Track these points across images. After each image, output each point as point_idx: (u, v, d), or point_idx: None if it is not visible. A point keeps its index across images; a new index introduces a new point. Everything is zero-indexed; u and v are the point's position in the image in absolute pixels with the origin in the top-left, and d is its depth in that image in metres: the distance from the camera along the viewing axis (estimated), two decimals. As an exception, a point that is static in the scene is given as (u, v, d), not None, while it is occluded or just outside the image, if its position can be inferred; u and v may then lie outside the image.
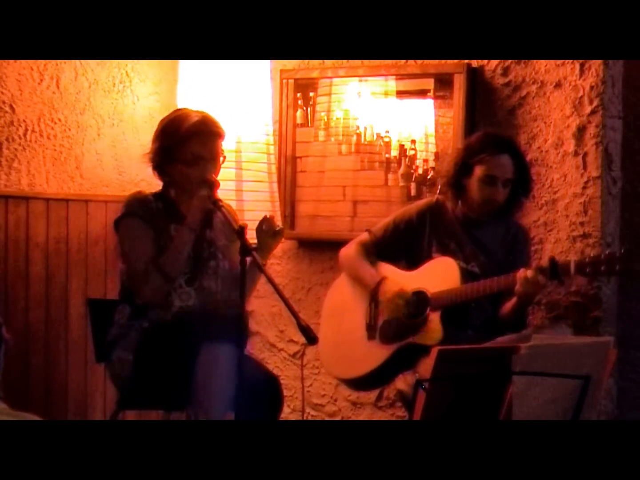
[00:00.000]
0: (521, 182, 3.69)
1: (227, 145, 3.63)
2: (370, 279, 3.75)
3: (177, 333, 3.30)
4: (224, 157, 3.52)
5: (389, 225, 3.82)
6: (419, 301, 3.63)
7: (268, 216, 3.55)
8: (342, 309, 3.86)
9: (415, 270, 3.72)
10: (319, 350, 3.93)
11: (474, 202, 3.68)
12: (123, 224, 3.46)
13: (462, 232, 3.71)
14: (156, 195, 3.52)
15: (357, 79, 4.42)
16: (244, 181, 4.11)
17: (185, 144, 3.42)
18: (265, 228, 3.49)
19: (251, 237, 3.39)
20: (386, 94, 4.39)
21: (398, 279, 3.71)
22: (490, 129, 3.85)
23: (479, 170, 3.63)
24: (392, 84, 4.38)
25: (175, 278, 3.40)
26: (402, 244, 3.79)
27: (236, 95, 4.18)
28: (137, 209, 3.44)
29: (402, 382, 3.66)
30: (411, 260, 3.77)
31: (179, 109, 3.66)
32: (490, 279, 3.52)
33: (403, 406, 3.86)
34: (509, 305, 3.58)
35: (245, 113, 4.18)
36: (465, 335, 3.60)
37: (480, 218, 3.71)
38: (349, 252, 3.86)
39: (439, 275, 3.63)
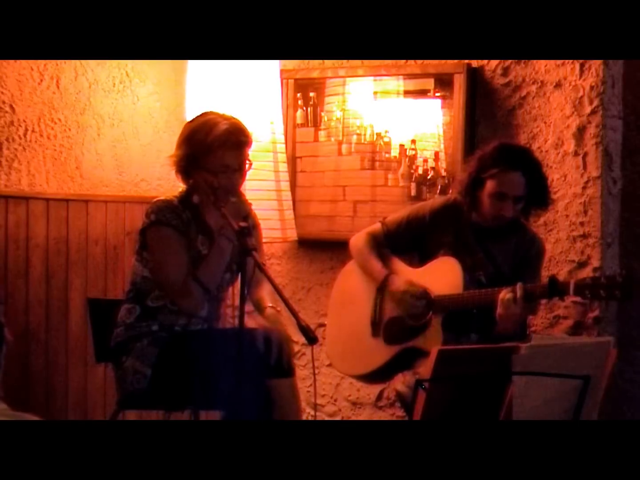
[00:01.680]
0: (536, 197, 3.64)
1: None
2: (378, 273, 3.76)
3: (205, 354, 3.26)
4: (250, 164, 3.45)
5: (402, 220, 3.81)
6: (425, 302, 3.64)
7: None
8: (350, 297, 3.87)
9: (419, 268, 3.73)
10: (325, 335, 3.94)
11: (486, 214, 3.66)
12: (154, 232, 3.37)
13: (474, 240, 3.69)
14: (182, 202, 3.43)
15: (372, 78, 4.42)
16: (247, 180, 4.08)
17: (212, 153, 3.33)
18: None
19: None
20: (398, 93, 4.38)
21: (404, 275, 3.72)
22: (506, 140, 3.81)
23: (489, 185, 3.59)
24: (401, 83, 4.38)
25: (213, 290, 3.38)
26: (411, 240, 3.79)
27: (239, 93, 4.16)
28: (170, 218, 3.36)
29: (401, 384, 3.66)
30: (419, 257, 3.78)
31: (206, 113, 3.49)
32: (492, 289, 3.50)
33: (402, 407, 3.86)
34: None
35: (247, 111, 4.13)
36: (467, 339, 3.60)
37: (493, 227, 3.70)
38: (358, 241, 3.86)
39: (442, 274, 3.63)
